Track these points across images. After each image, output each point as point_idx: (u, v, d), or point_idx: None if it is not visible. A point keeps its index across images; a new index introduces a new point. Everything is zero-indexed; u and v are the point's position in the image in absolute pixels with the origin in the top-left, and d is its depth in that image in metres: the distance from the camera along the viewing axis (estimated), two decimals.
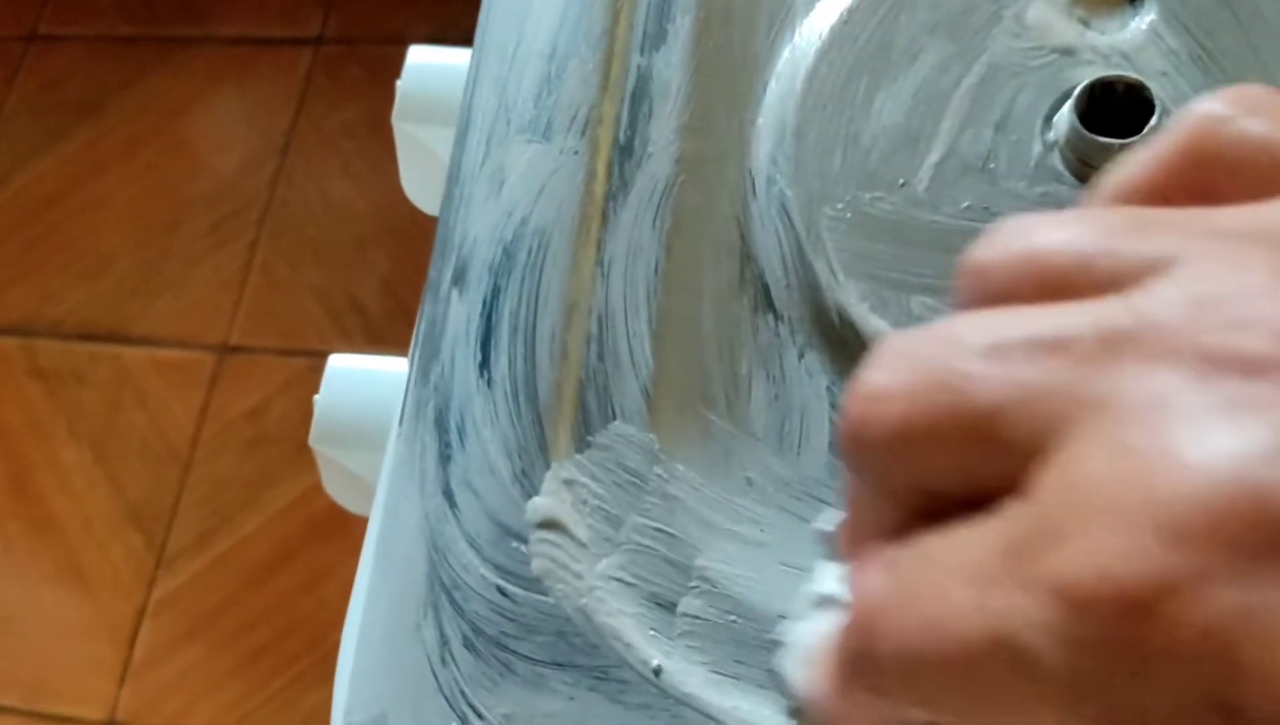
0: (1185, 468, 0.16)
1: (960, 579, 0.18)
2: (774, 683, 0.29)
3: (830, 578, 0.24)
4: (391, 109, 0.41)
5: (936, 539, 0.18)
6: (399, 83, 0.43)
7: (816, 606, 0.26)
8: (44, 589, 1.20)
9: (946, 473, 0.18)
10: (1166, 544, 0.16)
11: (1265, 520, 0.15)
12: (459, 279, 0.34)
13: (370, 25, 1.44)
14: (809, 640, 0.25)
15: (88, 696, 1.15)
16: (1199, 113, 0.20)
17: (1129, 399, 0.17)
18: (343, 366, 0.39)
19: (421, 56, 0.43)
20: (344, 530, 1.11)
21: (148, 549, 1.20)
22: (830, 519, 0.27)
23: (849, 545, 0.21)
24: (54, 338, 1.31)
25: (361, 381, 0.39)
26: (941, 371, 0.18)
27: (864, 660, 0.19)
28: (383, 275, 1.29)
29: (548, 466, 0.31)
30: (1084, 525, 0.16)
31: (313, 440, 0.38)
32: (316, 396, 0.38)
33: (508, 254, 0.34)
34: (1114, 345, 0.17)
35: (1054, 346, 0.18)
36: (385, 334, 1.25)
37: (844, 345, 0.32)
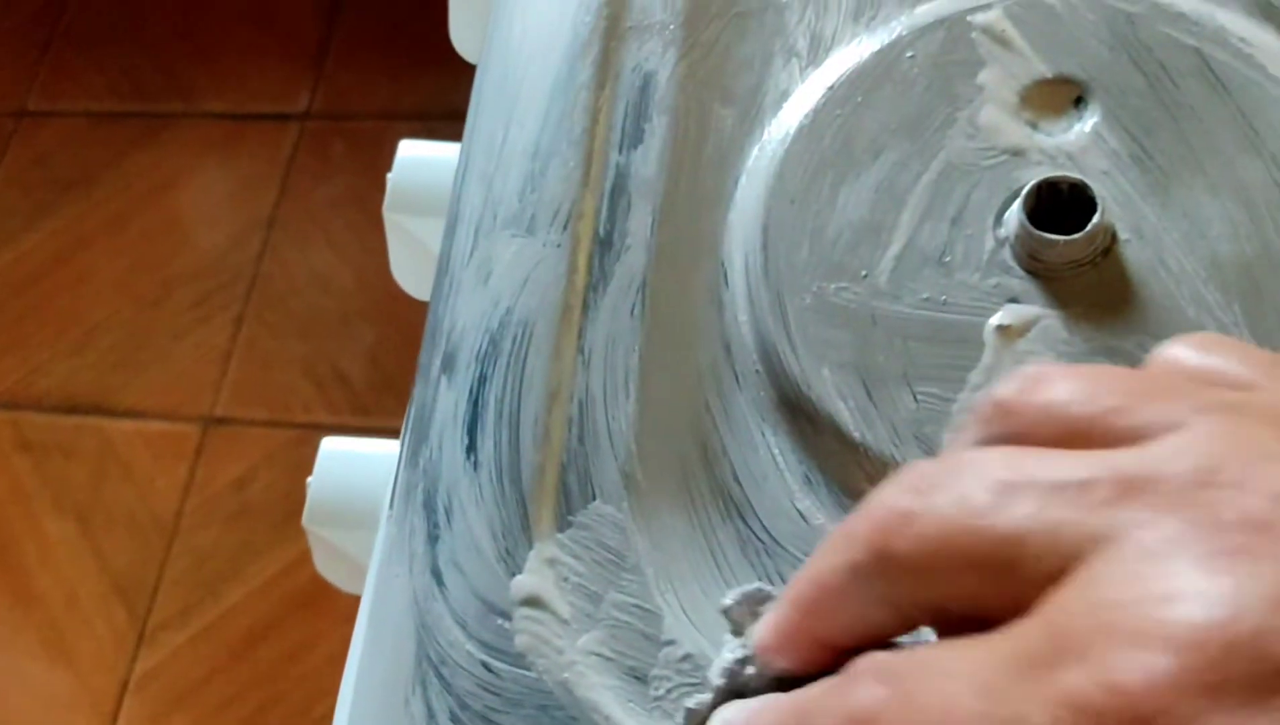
0: (1194, 602, 0.18)
1: (968, 689, 0.19)
2: None
3: (736, 652, 0.25)
4: (375, 184, 0.43)
5: (942, 650, 0.20)
6: (390, 176, 0.45)
7: (723, 678, 0.28)
8: (27, 662, 1.19)
9: (962, 595, 0.20)
10: (1174, 670, 0.17)
11: (1257, 658, 0.17)
12: (448, 366, 0.36)
13: (355, 101, 1.46)
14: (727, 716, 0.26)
15: None
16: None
17: (1144, 537, 0.19)
18: (335, 449, 0.41)
19: (411, 151, 0.45)
20: (328, 602, 1.12)
21: (130, 622, 1.20)
22: (734, 595, 0.28)
23: (806, 632, 0.23)
24: (40, 411, 1.32)
25: (354, 463, 0.40)
26: (972, 502, 0.20)
27: None
28: (368, 347, 1.30)
29: (531, 546, 0.33)
30: (1101, 643, 0.18)
31: (306, 520, 0.40)
32: (310, 478, 0.40)
33: (494, 342, 0.35)
34: (1129, 491, 0.19)
35: (1077, 487, 0.20)
36: (370, 406, 1.26)
37: (812, 428, 0.34)
